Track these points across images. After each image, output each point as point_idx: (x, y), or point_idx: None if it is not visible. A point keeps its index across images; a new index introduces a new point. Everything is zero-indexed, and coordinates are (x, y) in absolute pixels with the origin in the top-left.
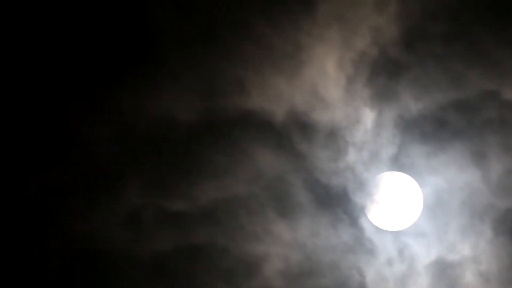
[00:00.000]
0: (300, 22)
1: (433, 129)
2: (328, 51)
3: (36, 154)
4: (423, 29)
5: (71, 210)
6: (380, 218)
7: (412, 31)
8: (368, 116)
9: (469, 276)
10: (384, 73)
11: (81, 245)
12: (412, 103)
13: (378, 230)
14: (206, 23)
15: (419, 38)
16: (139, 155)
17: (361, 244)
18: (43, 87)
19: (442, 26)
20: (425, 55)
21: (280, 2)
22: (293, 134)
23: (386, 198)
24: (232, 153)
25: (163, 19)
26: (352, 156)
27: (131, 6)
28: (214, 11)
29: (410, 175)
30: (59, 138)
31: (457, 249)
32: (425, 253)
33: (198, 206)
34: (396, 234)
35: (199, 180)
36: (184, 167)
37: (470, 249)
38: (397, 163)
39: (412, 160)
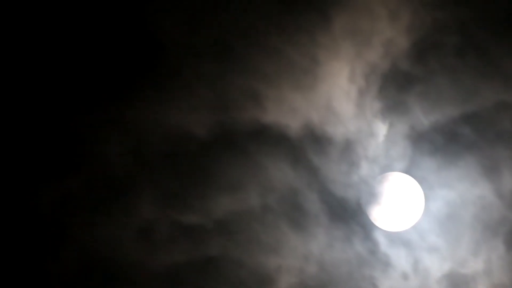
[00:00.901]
0: (316, 36)
1: (445, 142)
2: (343, 65)
3: (49, 166)
4: (435, 41)
5: (84, 222)
6: (384, 220)
7: (424, 43)
8: (381, 129)
9: None
10: (395, 86)
11: (94, 257)
12: (424, 116)
13: (391, 242)
14: (220, 36)
15: (431, 50)
16: (153, 168)
17: (375, 257)
18: (57, 99)
19: (454, 38)
20: (437, 67)
21: (296, 14)
22: (307, 148)
23: (390, 198)
24: (246, 166)
25: (177, 31)
26: (364, 169)
27: (144, 18)
28: (228, 23)
29: (421, 188)
30: (73, 150)
31: (470, 263)
32: (438, 267)
33: (212, 219)
34: (409, 248)
35: (213, 193)
36: (197, 180)
37: (482, 262)
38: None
39: (424, 174)
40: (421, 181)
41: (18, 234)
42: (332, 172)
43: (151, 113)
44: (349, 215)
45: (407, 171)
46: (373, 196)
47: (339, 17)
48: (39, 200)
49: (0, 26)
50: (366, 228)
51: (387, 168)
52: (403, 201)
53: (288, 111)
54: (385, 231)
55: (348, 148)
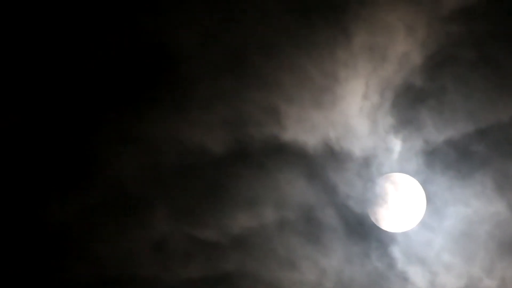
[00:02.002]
0: (336, 52)
1: (459, 158)
2: (361, 82)
3: (65, 181)
4: (450, 55)
5: (99, 236)
6: (387, 220)
7: (438, 58)
8: (395, 145)
9: None
10: (410, 101)
11: (109, 271)
12: (438, 132)
13: (408, 258)
14: (238, 50)
15: (446, 64)
16: (168, 184)
17: (393, 273)
18: (73, 115)
19: (468, 53)
20: (451, 82)
21: (316, 29)
22: (325, 164)
23: (392, 199)
24: (263, 182)
25: (193, 46)
26: (379, 185)
27: (160, 33)
28: (246, 38)
29: (435, 204)
30: (88, 165)
31: (485, 280)
32: (454, 284)
33: (228, 234)
34: (425, 265)
35: (229, 209)
36: (213, 196)
37: (497, 280)
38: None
39: (437, 190)
40: (434, 197)
41: (33, 248)
42: (349, 188)
43: (167, 128)
44: (366, 230)
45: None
46: (377, 197)
47: (359, 32)
48: (55, 215)
49: (18, 39)
50: (383, 243)
51: (401, 185)
52: (405, 201)
53: (306, 128)
54: (390, 232)
55: (364, 165)
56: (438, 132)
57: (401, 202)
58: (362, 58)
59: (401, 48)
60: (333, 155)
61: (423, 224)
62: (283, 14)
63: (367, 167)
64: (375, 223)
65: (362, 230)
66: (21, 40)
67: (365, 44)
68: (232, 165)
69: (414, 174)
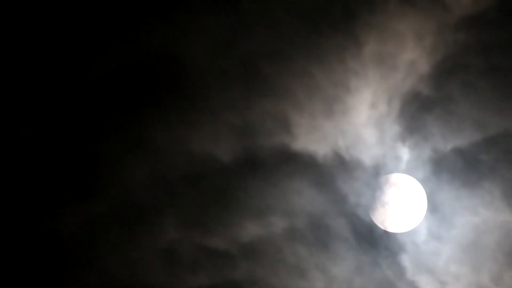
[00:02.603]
0: (347, 61)
1: (466, 167)
2: (371, 91)
3: (74, 190)
4: (458, 63)
5: (108, 245)
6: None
7: (446, 66)
8: (404, 155)
9: None
10: (418, 110)
11: (119, 280)
12: (446, 140)
13: (417, 267)
14: (248, 60)
15: (454, 72)
16: (177, 192)
17: (402, 281)
18: (82, 124)
19: (477, 61)
20: (459, 90)
21: (326, 37)
22: (334, 173)
23: (393, 200)
24: (273, 191)
25: (203, 54)
26: (388, 194)
27: (170, 43)
28: (256, 47)
29: (443, 213)
30: (97, 175)
31: None
32: None
33: (238, 243)
34: (434, 274)
35: (238, 217)
36: (222, 204)
37: None
38: (430, 202)
39: (445, 199)
40: (442, 206)
41: (42, 258)
42: (359, 197)
43: (176, 137)
44: (375, 239)
45: (429, 197)
46: (378, 199)
47: (369, 41)
48: (64, 224)
49: (28, 49)
50: (392, 252)
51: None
52: (406, 202)
53: (316, 137)
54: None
55: (374, 174)
56: (446, 140)
57: (401, 201)
58: (372, 67)
59: (410, 56)
60: (342, 164)
61: (431, 233)
62: (293, 22)
63: (376, 176)
64: (379, 225)
65: (371, 239)
66: (31, 51)
67: (375, 53)
68: (241, 174)
69: (422, 183)
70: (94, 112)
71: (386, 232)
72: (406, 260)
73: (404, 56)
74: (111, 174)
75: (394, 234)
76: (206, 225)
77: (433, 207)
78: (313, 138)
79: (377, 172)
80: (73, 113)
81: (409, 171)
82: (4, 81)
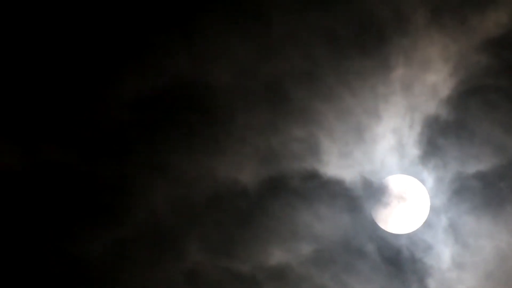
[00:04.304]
0: (377, 86)
1: (489, 192)
2: (402, 118)
3: (100, 214)
4: (481, 85)
5: (132, 268)
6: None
7: (469, 89)
8: (427, 180)
9: None
10: (443, 134)
11: None
12: (469, 165)
13: None
14: (275, 82)
15: (477, 95)
16: (201, 216)
17: None
18: (108, 148)
19: (499, 82)
20: (481, 113)
21: (355, 61)
22: (362, 197)
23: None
24: (299, 216)
25: (228, 79)
26: (413, 219)
27: (195, 67)
28: (284, 69)
29: (466, 240)
30: (122, 198)
31: None
32: None
33: (263, 268)
34: None
35: (264, 242)
36: (248, 229)
37: None
38: (451, 228)
39: (466, 224)
40: (465, 232)
41: (69, 281)
42: (385, 222)
43: (201, 161)
44: (403, 262)
45: (451, 223)
46: (379, 197)
47: (398, 64)
48: (90, 248)
49: (50, 78)
50: (419, 275)
51: (430, 223)
52: (408, 203)
53: (346, 163)
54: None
55: (400, 199)
56: (468, 164)
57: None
58: (400, 93)
59: (434, 79)
60: (370, 190)
61: (454, 260)
62: (321, 44)
63: (403, 201)
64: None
65: (398, 263)
66: (59, 76)
67: (403, 77)
68: (267, 199)
69: (444, 208)
70: (120, 137)
71: (412, 256)
72: (431, 284)
73: (429, 80)
74: (136, 198)
75: (420, 258)
76: (230, 249)
77: (456, 234)
78: (342, 164)
79: (401, 197)
80: (99, 138)
81: (432, 196)
82: (30, 106)
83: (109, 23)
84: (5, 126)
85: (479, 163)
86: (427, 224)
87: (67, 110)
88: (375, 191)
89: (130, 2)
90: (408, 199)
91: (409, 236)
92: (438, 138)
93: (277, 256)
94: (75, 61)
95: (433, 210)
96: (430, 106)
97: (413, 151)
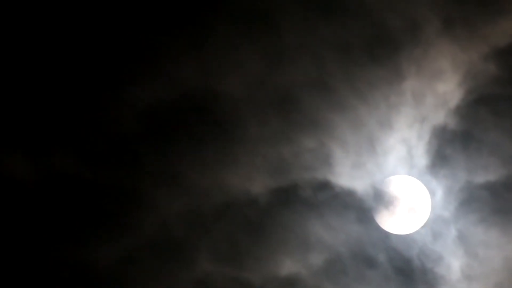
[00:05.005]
0: (390, 96)
1: (498, 202)
2: (414, 128)
3: (109, 224)
4: (491, 95)
5: (143, 278)
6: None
7: (479, 98)
8: (437, 191)
9: None
10: (453, 144)
11: None
12: (478, 175)
13: None
14: (287, 92)
15: (487, 105)
16: (213, 226)
17: None
18: (119, 158)
19: (508, 92)
20: (492, 123)
21: (368, 70)
22: (373, 207)
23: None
24: (312, 226)
25: (240, 89)
26: (424, 230)
27: (205, 76)
28: (296, 79)
29: (476, 251)
30: (132, 208)
31: None
32: None
33: (275, 278)
34: None
35: (277, 252)
36: (259, 239)
37: None
38: (460, 238)
39: (475, 235)
40: (474, 243)
41: None
42: (396, 232)
43: (212, 171)
44: (414, 272)
45: (460, 234)
46: (389, 207)
47: (410, 74)
48: (100, 257)
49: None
50: (430, 285)
51: (440, 234)
52: (410, 204)
53: (358, 174)
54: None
55: (410, 209)
56: (477, 175)
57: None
58: (411, 103)
59: (444, 89)
60: (381, 200)
61: (463, 271)
62: (333, 53)
63: (413, 212)
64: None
65: (410, 273)
66: (67, 86)
67: (414, 87)
68: (278, 209)
69: (453, 218)
70: (131, 148)
71: (423, 266)
72: None
73: (439, 89)
74: (147, 208)
75: (430, 268)
76: (240, 260)
77: (465, 244)
78: (355, 175)
79: (412, 208)
80: (109, 147)
81: (441, 206)
82: (41, 117)
83: (120, 33)
84: (16, 137)
85: (488, 173)
86: (437, 234)
87: (78, 121)
88: (386, 202)
89: (141, 13)
90: (417, 209)
91: (419, 246)
92: (447, 148)
93: (287, 266)
94: (86, 72)
95: (443, 220)
96: (440, 115)
97: (422, 161)
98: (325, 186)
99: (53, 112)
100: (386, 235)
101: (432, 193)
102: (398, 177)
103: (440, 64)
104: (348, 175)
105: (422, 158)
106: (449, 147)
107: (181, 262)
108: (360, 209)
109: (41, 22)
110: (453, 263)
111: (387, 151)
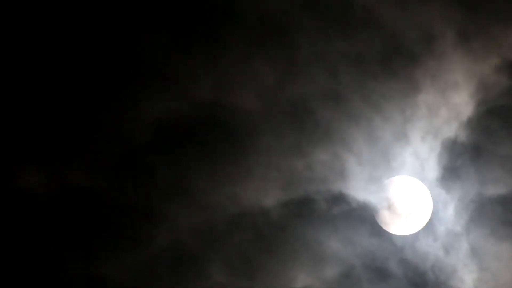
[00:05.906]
0: (406, 110)
1: (510, 215)
2: (428, 142)
3: (122, 237)
4: (502, 108)
5: None
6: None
7: (491, 111)
8: (449, 202)
9: None
10: (465, 157)
11: None
12: (490, 187)
13: None
14: (301, 104)
15: (499, 118)
16: (225, 239)
17: None
18: (131, 172)
19: None
20: (503, 136)
21: (382, 81)
22: (387, 221)
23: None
24: (326, 239)
25: (253, 101)
26: (437, 243)
27: (218, 88)
28: (310, 90)
29: (486, 264)
30: (145, 221)
31: None
32: None
33: None
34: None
35: (290, 265)
36: (273, 252)
37: None
38: (472, 252)
39: (488, 248)
40: (482, 254)
41: None
42: (411, 243)
43: (225, 183)
44: (426, 283)
45: (472, 247)
46: (383, 200)
47: (426, 87)
48: (112, 270)
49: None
50: None
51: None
52: (411, 205)
53: (373, 188)
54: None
55: (422, 223)
56: (488, 188)
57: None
58: (427, 115)
59: (458, 101)
60: (395, 213)
61: (476, 284)
62: (348, 65)
63: (428, 223)
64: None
65: (424, 286)
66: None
67: (429, 100)
68: (291, 222)
69: (465, 231)
70: (144, 160)
71: (437, 280)
72: None
73: (452, 101)
74: (159, 220)
75: (444, 281)
76: (253, 273)
77: (477, 257)
78: (369, 188)
79: (430, 221)
80: (122, 160)
81: (453, 220)
82: (54, 130)
83: (135, 47)
84: (29, 150)
85: (499, 186)
86: (450, 247)
87: (92, 134)
88: (398, 214)
89: (156, 27)
90: (430, 222)
91: (432, 259)
92: (458, 160)
93: (301, 279)
94: (100, 86)
95: (455, 233)
96: (452, 128)
97: (435, 174)
98: (339, 199)
99: (67, 125)
100: (400, 247)
101: (444, 206)
102: (412, 190)
103: (454, 76)
104: (362, 189)
105: (433, 171)
106: (461, 159)
107: (194, 275)
108: (374, 222)
109: (60, 37)
110: (465, 277)
111: (402, 164)
